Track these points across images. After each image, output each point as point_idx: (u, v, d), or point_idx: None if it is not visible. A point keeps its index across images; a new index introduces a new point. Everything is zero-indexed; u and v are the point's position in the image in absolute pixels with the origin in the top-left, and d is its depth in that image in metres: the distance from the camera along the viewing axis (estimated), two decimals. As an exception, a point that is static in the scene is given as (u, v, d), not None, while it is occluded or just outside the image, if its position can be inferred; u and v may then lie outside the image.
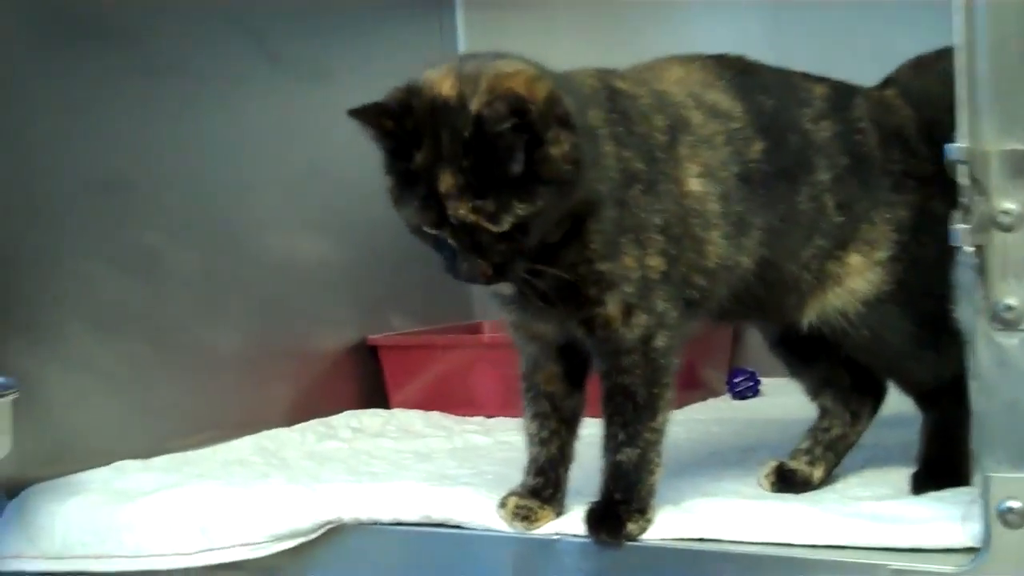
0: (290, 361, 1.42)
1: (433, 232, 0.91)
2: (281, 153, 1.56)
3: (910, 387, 1.14)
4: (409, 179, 0.90)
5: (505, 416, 1.66)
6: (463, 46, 2.08)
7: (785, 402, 1.66)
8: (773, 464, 1.13)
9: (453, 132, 0.88)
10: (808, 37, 1.83)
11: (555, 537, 0.97)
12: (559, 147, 0.89)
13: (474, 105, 0.88)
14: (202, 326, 1.46)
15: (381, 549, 1.05)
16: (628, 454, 0.97)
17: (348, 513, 1.04)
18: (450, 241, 0.91)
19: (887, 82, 1.17)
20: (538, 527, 0.99)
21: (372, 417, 1.67)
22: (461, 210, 0.88)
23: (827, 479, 1.13)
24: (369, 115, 0.91)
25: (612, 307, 0.97)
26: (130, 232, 1.38)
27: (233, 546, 1.07)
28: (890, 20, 1.74)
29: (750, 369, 1.76)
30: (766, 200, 1.05)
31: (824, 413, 1.17)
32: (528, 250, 0.91)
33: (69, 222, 1.34)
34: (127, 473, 1.28)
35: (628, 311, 0.97)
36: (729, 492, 1.08)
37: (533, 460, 1.04)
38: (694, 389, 1.72)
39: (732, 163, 1.04)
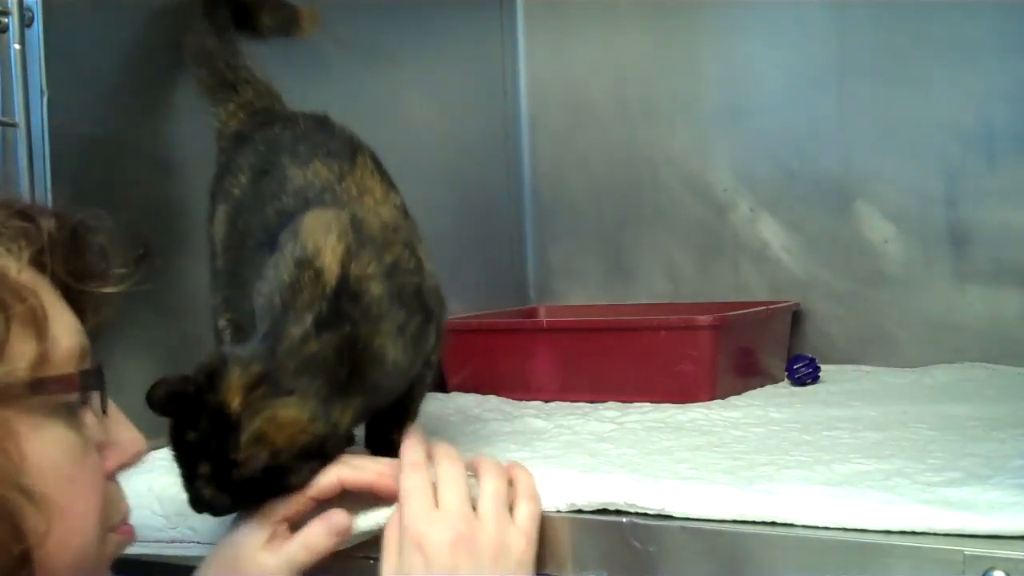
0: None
1: None
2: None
3: None
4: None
5: (562, 401, 1.67)
6: (523, 32, 2.08)
7: (845, 388, 1.66)
8: None
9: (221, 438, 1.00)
10: (874, 29, 1.83)
11: (624, 519, 0.97)
12: (298, 476, 1.03)
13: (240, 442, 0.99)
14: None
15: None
16: None
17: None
18: None
19: None
20: None
21: (430, 400, 1.67)
22: (207, 490, 1.01)
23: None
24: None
25: None
26: (195, 216, 1.39)
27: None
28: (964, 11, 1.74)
29: (809, 355, 1.75)
30: None
31: None
32: None
33: (135, 206, 1.36)
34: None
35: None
36: (797, 478, 1.08)
37: None
38: (754, 375, 1.72)
39: None
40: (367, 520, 1.05)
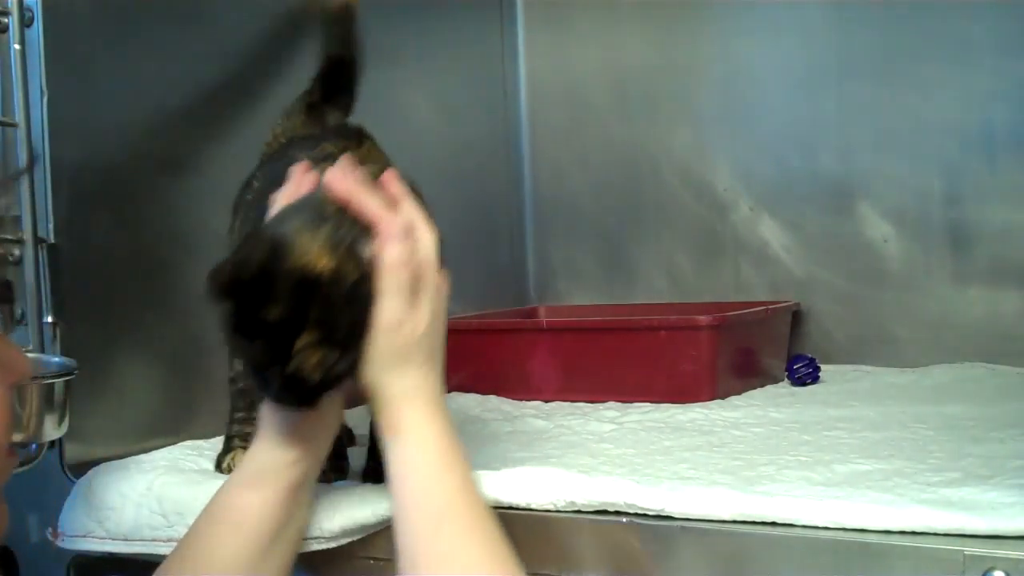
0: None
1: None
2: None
3: None
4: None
5: (562, 401, 1.67)
6: (523, 32, 2.08)
7: (845, 388, 1.66)
8: None
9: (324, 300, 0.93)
10: (874, 29, 1.83)
11: (624, 519, 0.97)
12: None
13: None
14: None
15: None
16: None
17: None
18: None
19: None
20: None
21: (430, 400, 1.67)
22: (313, 359, 0.93)
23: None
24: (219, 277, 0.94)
25: None
26: (197, 216, 1.39)
27: (305, 539, 1.06)
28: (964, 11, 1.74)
29: (809, 355, 1.75)
30: None
31: None
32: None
33: (135, 206, 1.36)
34: (194, 453, 1.29)
35: None
36: (797, 478, 1.08)
37: None
38: (754, 375, 1.72)
39: None
40: (364, 513, 1.05)
